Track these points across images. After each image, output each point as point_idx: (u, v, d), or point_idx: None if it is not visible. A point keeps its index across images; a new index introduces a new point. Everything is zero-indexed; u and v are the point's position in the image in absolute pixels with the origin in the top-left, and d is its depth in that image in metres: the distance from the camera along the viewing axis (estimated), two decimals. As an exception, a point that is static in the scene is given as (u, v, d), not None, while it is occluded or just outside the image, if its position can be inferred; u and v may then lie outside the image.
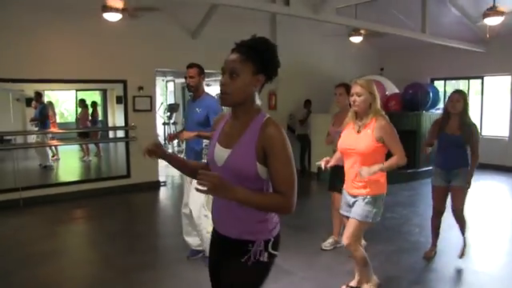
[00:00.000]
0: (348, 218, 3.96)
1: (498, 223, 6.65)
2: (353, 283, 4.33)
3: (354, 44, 11.04)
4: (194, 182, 4.59)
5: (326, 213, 5.81)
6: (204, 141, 4.81)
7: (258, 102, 2.22)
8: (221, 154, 2.20)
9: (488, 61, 11.47)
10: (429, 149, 5.16)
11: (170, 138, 5.39)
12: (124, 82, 8.93)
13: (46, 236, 6.21)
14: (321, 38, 11.86)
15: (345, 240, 3.88)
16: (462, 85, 13.27)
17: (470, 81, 12.48)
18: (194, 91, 4.96)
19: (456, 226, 5.12)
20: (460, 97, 4.79)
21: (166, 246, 6.03)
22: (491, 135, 11.66)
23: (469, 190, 4.89)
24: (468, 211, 5.09)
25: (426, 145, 5.26)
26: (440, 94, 11.84)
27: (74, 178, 9.37)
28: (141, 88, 9.07)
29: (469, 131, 4.75)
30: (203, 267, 4.87)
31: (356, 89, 3.80)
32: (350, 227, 3.86)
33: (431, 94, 10.72)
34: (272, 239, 2.23)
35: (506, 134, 11.43)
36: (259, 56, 2.11)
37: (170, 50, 9.29)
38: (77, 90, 10.53)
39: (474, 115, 4.88)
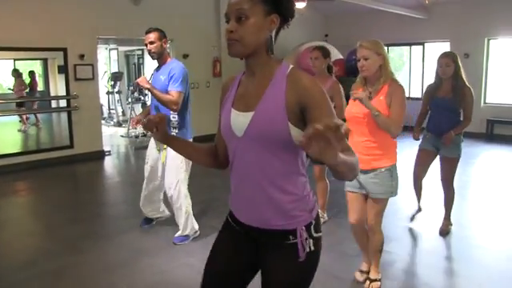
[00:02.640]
0: (354, 196, 3.60)
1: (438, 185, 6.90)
2: (365, 267, 3.93)
3: (299, 10, 11.03)
4: (171, 158, 4.49)
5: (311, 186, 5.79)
6: (171, 113, 4.42)
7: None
8: (240, 120, 1.79)
9: (429, 27, 11.77)
10: (421, 135, 4.97)
11: (135, 122, 4.85)
12: (64, 50, 8.61)
13: (-15, 209, 6.01)
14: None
15: (371, 220, 3.55)
16: (404, 51, 13.58)
17: (412, 47, 12.77)
18: (156, 58, 4.54)
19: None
20: (450, 60, 4.51)
21: (110, 214, 5.95)
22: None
23: (459, 158, 4.72)
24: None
25: (419, 121, 5.08)
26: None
27: (14, 149, 9.05)
28: (82, 56, 8.78)
29: (461, 94, 4.52)
30: (148, 233, 4.92)
31: (362, 52, 3.34)
32: (373, 207, 3.52)
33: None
34: (313, 222, 1.85)
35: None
36: None
37: (112, 16, 9.03)
38: (15, 60, 10.15)
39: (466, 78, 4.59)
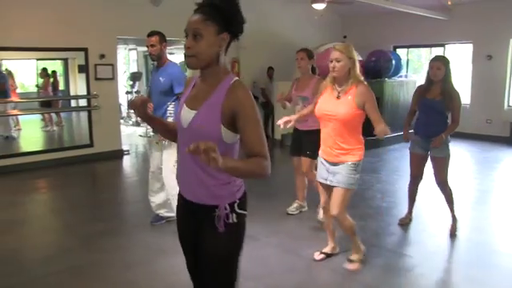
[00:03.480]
0: (325, 185, 3.99)
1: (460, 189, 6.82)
2: (326, 250, 4.35)
3: (317, 11, 11.01)
4: (166, 153, 4.78)
5: (290, 178, 5.85)
6: (168, 110, 4.79)
7: (223, 61, 2.15)
8: (186, 115, 2.16)
9: (450, 29, 11.59)
10: (410, 137, 5.08)
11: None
12: (85, 50, 8.71)
13: (7, 205, 6.11)
14: (284, 5, 11.81)
15: (334, 210, 3.85)
16: (424, 53, 13.47)
17: (432, 49, 12.63)
18: (156, 60, 4.87)
19: (432, 196, 5.17)
20: (441, 64, 4.68)
21: (129, 212, 6.02)
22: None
23: (449, 158, 4.84)
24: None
25: (407, 121, 5.24)
26: (402, 61, 11.98)
27: (37, 147, 9.16)
28: (102, 56, 8.87)
29: (450, 97, 4.67)
30: (167, 233, 4.94)
31: (335, 54, 3.71)
32: (337, 197, 3.83)
33: (394, 62, 10.83)
34: (237, 201, 2.21)
35: (467, 101, 11.65)
36: (221, 14, 2.03)
37: (132, 17, 9.07)
38: (37, 60, 10.26)
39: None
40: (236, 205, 2.20)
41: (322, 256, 4.31)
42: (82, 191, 7.09)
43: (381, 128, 3.56)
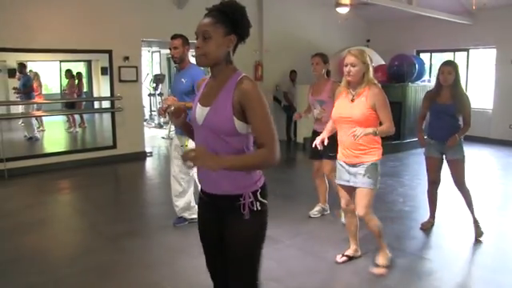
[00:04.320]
0: (346, 187, 4.08)
1: (484, 194, 6.77)
2: (349, 252, 4.38)
3: (341, 15, 11.01)
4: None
5: (312, 181, 5.85)
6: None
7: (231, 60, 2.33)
8: (201, 112, 2.31)
9: (473, 33, 11.49)
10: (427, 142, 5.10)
11: (163, 111, 5.15)
12: (109, 52, 8.84)
13: (32, 206, 6.19)
14: (308, 9, 11.81)
15: (360, 211, 3.96)
16: (446, 57, 13.33)
17: (456, 53, 12.52)
18: (178, 62, 4.96)
19: (453, 200, 5.13)
20: (451, 69, 4.74)
21: (152, 214, 6.07)
22: (475, 108, 11.69)
23: (464, 159, 4.86)
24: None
25: (420, 126, 5.31)
26: (426, 66, 11.90)
27: (60, 148, 9.30)
28: (126, 58, 8.99)
29: (460, 101, 4.73)
30: (189, 234, 4.98)
31: (350, 59, 3.84)
32: (362, 197, 3.94)
33: (417, 66, 10.76)
34: (259, 189, 2.34)
35: (490, 106, 11.55)
36: (228, 18, 2.21)
37: (156, 19, 9.20)
38: (61, 61, 10.40)
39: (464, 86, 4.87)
40: (258, 193, 2.33)
41: (344, 259, 4.32)
42: (106, 192, 7.19)
43: (363, 130, 3.65)
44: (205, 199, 2.46)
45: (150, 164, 9.37)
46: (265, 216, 2.38)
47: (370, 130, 3.71)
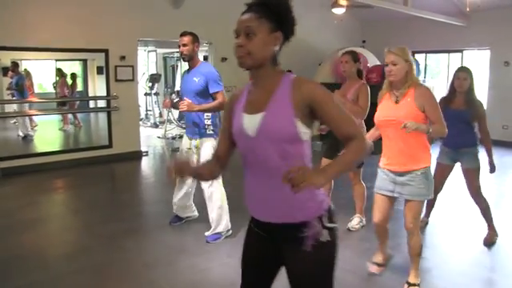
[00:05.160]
0: (386, 198, 3.71)
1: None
2: (378, 260, 4.09)
3: (337, 16, 11.03)
4: (204, 158, 4.62)
5: (344, 191, 5.74)
6: (205, 115, 4.70)
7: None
8: (252, 120, 1.99)
9: (468, 35, 11.55)
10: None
11: (167, 104, 5.23)
12: (106, 52, 8.82)
13: (27, 205, 6.18)
14: (303, 9, 11.75)
15: (409, 224, 3.64)
16: (441, 59, 13.43)
17: (450, 54, 12.61)
18: (188, 60, 4.78)
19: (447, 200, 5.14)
20: (467, 75, 4.63)
21: (149, 212, 6.07)
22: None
23: (491, 172, 4.83)
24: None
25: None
26: (421, 66, 11.97)
27: (55, 148, 9.27)
28: (123, 57, 8.97)
29: (474, 107, 4.64)
30: (186, 233, 5.01)
31: (390, 57, 3.51)
32: (411, 210, 3.60)
33: (414, 66, 10.80)
34: (325, 213, 2.03)
35: (484, 107, 11.57)
36: (273, 12, 1.96)
37: (153, 19, 9.19)
38: (56, 60, 10.37)
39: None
40: (325, 218, 2.02)
41: (381, 268, 4.07)
42: (102, 191, 7.19)
43: (414, 123, 3.33)
44: (255, 227, 2.17)
45: (146, 163, 9.35)
46: (334, 245, 2.05)
47: (423, 125, 3.40)
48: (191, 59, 4.77)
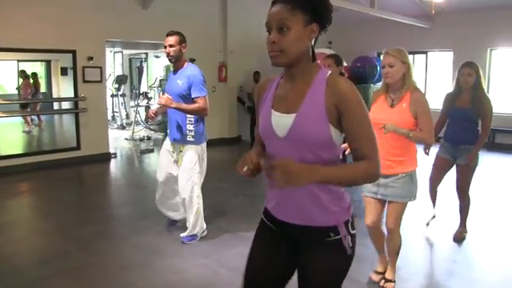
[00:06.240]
0: (373, 200, 3.69)
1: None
2: (380, 269, 4.03)
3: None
4: (185, 162, 4.61)
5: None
6: (188, 119, 4.58)
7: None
8: (282, 121, 1.86)
9: (432, 37, 11.91)
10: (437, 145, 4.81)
11: (153, 115, 4.93)
12: (73, 52, 8.69)
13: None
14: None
15: (391, 224, 3.64)
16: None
17: (415, 56, 12.87)
18: (174, 62, 4.60)
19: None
20: (472, 70, 4.54)
21: (121, 215, 5.99)
22: (433, 108, 12.04)
23: (476, 167, 4.76)
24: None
25: (435, 129, 4.63)
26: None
27: (19, 150, 9.07)
28: (90, 58, 8.85)
29: (480, 105, 4.55)
30: (160, 234, 4.98)
31: (388, 59, 3.47)
32: (393, 211, 3.60)
33: (379, 68, 10.99)
34: (350, 219, 1.95)
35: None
36: (307, 2, 1.77)
37: (121, 20, 9.11)
38: (19, 61, 10.17)
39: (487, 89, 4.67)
40: (350, 224, 1.94)
41: (380, 277, 3.97)
42: (71, 194, 7.08)
43: (394, 126, 3.38)
44: (272, 228, 2.05)
45: (115, 165, 9.26)
46: (354, 250, 1.97)
47: (404, 130, 3.40)
48: (177, 60, 4.61)
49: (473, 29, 11.26)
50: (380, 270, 3.99)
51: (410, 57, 11.53)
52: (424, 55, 12.57)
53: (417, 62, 12.86)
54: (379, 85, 10.93)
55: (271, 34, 1.81)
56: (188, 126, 4.58)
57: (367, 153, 1.79)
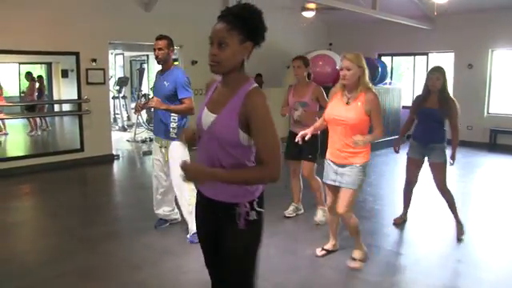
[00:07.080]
0: (332, 186, 4.19)
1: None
2: (328, 246, 4.57)
3: (305, 19, 11.17)
4: (172, 160, 4.78)
5: (283, 182, 5.93)
6: (172, 118, 4.80)
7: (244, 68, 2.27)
8: (207, 118, 2.27)
9: (433, 38, 11.95)
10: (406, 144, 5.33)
11: (140, 107, 5.48)
12: (76, 54, 8.72)
13: (2, 210, 6.07)
14: (271, 12, 11.87)
15: (341, 209, 4.06)
16: (407, 61, 13.72)
17: (416, 57, 12.94)
18: (162, 64, 4.91)
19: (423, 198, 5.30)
20: (440, 75, 4.89)
21: (127, 215, 6.04)
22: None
23: (451, 164, 5.05)
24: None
25: (404, 130, 5.52)
26: (388, 69, 12.24)
27: (25, 152, 9.11)
28: (94, 60, 8.89)
29: (447, 105, 4.88)
30: (170, 235, 5.02)
31: (345, 63, 3.89)
32: (345, 197, 4.03)
33: (380, 69, 11.05)
34: (256, 199, 2.30)
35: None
36: (245, 24, 2.13)
37: (124, 22, 9.17)
38: (20, 64, 10.21)
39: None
40: (255, 203, 2.29)
41: (324, 252, 4.53)
42: (77, 195, 7.12)
43: (363, 138, 3.83)
44: (201, 200, 2.45)
45: (118, 167, 9.30)
46: (261, 225, 2.36)
47: (369, 137, 3.88)
48: (165, 63, 4.91)
49: (474, 30, 11.33)
50: (326, 247, 4.57)
51: (411, 58, 11.76)
52: (425, 56, 12.60)
53: (418, 64, 12.94)
54: (380, 86, 11.10)
55: (212, 47, 2.15)
56: (172, 124, 4.82)
57: (264, 158, 2.14)
